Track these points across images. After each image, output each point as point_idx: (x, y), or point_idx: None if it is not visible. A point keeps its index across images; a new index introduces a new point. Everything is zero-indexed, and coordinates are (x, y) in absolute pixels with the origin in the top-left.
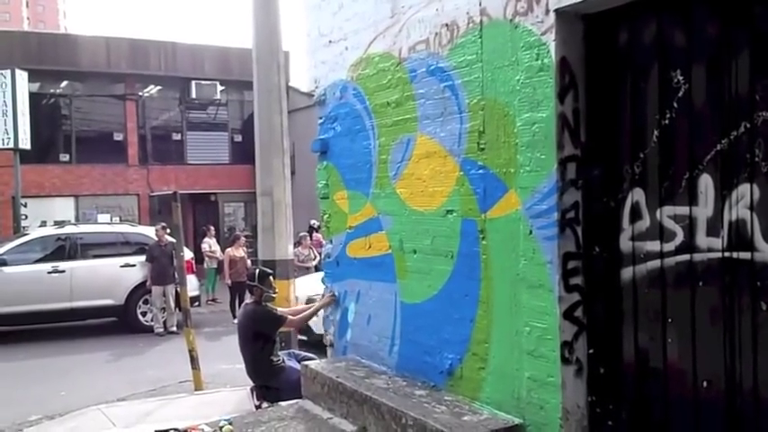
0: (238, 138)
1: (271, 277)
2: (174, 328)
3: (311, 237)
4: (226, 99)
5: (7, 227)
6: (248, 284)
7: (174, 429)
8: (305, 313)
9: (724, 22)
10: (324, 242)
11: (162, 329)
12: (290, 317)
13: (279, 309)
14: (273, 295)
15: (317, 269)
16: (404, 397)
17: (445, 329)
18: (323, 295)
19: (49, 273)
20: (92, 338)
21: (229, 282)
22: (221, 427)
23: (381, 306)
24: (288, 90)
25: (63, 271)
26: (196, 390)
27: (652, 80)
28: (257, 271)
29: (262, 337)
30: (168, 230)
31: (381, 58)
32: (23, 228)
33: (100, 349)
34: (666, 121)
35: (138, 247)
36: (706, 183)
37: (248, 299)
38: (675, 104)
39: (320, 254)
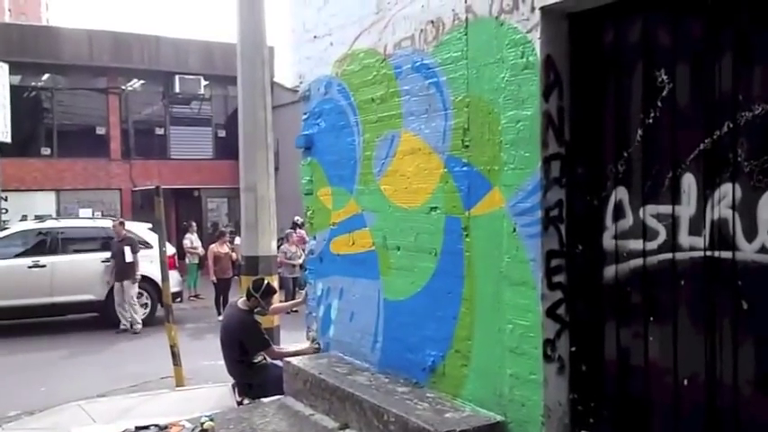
0: (222, 133)
1: (274, 296)
2: (138, 326)
3: (295, 233)
4: (209, 94)
5: None
6: (249, 292)
7: (155, 425)
8: (287, 350)
9: (709, 22)
10: (307, 239)
11: (127, 325)
12: (274, 348)
13: None
14: (266, 312)
15: (302, 267)
16: (386, 394)
17: (428, 326)
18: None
19: (30, 267)
20: (72, 334)
21: (214, 279)
22: (203, 424)
23: (364, 303)
24: (272, 86)
25: (44, 266)
26: (177, 386)
27: (636, 79)
28: (265, 284)
29: (244, 347)
30: (124, 225)
31: (366, 54)
32: (4, 222)
33: (80, 345)
34: (650, 120)
35: None
36: (689, 182)
37: (240, 302)
38: (659, 103)
39: (304, 250)
